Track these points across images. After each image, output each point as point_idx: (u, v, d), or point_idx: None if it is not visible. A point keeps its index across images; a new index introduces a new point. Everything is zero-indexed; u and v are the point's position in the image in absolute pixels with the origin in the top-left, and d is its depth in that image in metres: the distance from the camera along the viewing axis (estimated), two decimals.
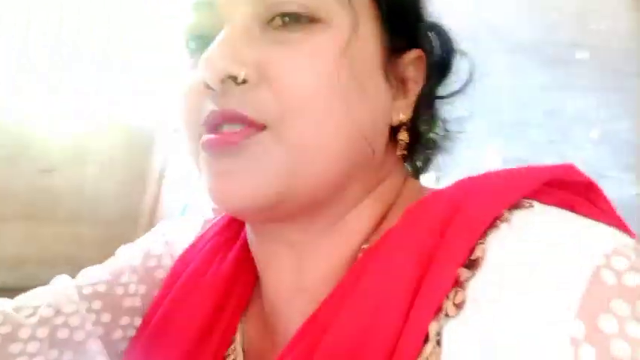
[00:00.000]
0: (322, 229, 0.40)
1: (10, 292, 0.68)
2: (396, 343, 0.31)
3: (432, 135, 0.49)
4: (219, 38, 0.36)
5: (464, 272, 0.31)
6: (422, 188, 0.46)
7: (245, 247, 0.47)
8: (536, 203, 0.35)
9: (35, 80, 3.49)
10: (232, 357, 0.43)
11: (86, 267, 0.58)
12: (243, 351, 0.45)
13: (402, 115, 0.41)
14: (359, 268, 0.36)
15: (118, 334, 0.50)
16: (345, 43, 0.35)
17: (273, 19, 0.37)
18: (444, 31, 0.47)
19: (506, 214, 0.33)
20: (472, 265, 0.31)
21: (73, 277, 0.57)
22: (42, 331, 0.47)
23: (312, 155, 0.36)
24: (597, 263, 0.29)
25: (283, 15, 0.36)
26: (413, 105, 0.42)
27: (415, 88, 0.42)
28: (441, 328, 0.31)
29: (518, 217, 0.33)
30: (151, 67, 4.14)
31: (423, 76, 0.43)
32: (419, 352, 0.31)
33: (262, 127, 0.35)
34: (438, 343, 0.31)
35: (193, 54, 0.40)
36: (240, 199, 0.36)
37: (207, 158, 0.37)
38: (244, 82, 0.35)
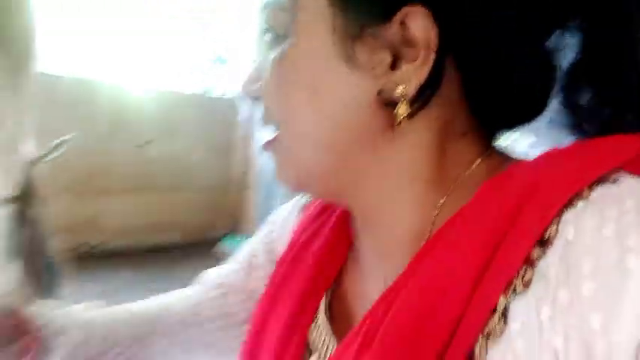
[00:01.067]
0: (372, 203, 0.41)
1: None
2: (465, 311, 0.32)
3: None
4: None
5: (536, 251, 0.31)
6: (489, 158, 0.40)
7: (334, 229, 0.49)
8: (624, 176, 0.32)
9: (127, 61, 3.72)
10: (319, 322, 0.45)
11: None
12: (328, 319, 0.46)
13: (401, 86, 0.36)
14: (434, 240, 0.36)
15: None
16: (286, 51, 0.37)
17: (269, 39, 0.40)
18: None
19: (586, 192, 0.31)
20: (544, 243, 0.31)
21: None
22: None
23: (300, 153, 0.40)
24: None
25: (270, 35, 0.39)
26: (420, 73, 0.35)
27: (420, 52, 0.35)
28: (508, 303, 0.31)
29: (598, 193, 0.31)
30: (231, 39, 4.25)
31: (427, 34, 0.34)
32: (485, 322, 0.32)
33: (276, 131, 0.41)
34: (505, 317, 0.31)
35: None
36: (285, 182, 0.43)
37: None
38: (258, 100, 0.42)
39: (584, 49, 0.38)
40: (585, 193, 0.31)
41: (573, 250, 0.29)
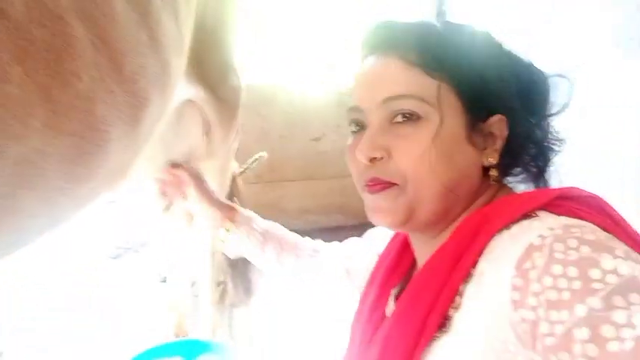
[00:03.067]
0: (437, 234, 0.64)
1: (297, 234, 1.09)
2: (442, 290, 0.55)
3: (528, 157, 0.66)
4: (366, 134, 0.61)
5: (481, 257, 0.54)
6: (497, 198, 0.63)
7: (403, 246, 0.75)
8: (542, 213, 0.53)
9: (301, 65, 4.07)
10: (389, 308, 0.71)
11: (352, 214, 0.96)
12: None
13: (490, 159, 0.62)
14: (442, 246, 0.60)
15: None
16: (435, 133, 0.58)
17: (395, 116, 0.60)
18: (531, 85, 0.64)
19: (511, 225, 0.53)
20: (484, 253, 0.54)
21: (344, 222, 0.97)
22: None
23: (420, 201, 0.60)
24: (531, 240, 0.48)
25: (402, 115, 0.60)
26: (499, 151, 0.62)
27: (499, 140, 0.62)
28: (465, 287, 0.55)
29: (519, 224, 0.53)
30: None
31: (505, 130, 0.62)
32: (452, 301, 0.55)
33: (394, 184, 0.60)
34: (461, 294, 0.54)
35: (353, 134, 0.67)
36: (384, 221, 0.63)
37: (368, 196, 0.64)
38: (381, 158, 0.60)
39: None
40: (510, 226, 0.54)
41: (494, 253, 0.53)
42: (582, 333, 0.40)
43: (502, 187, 0.65)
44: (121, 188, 0.82)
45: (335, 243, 1.00)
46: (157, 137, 0.90)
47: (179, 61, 0.86)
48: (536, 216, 0.53)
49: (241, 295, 1.98)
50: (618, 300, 0.40)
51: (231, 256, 1.06)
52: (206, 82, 1.06)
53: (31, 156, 0.54)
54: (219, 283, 1.96)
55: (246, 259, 1.73)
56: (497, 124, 0.61)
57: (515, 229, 0.52)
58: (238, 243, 0.99)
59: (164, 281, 2.63)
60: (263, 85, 3.53)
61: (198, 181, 1.04)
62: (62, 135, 0.56)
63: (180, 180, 1.05)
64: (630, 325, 0.39)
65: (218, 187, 1.39)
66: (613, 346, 0.38)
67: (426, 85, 0.59)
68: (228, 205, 1.03)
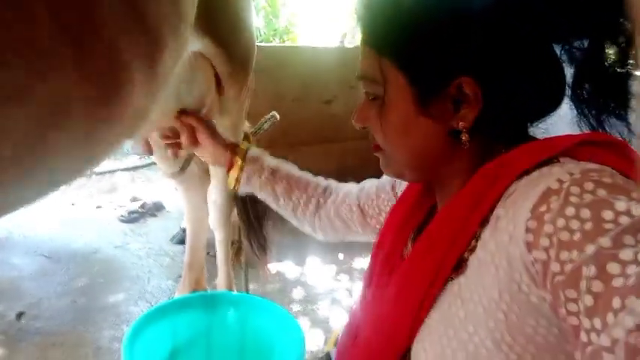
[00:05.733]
0: (444, 181, 0.65)
1: None
2: (459, 233, 0.57)
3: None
4: (357, 107, 0.66)
5: (498, 203, 0.54)
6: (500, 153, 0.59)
7: (423, 190, 0.74)
8: (564, 159, 0.53)
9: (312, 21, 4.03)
10: (407, 250, 0.71)
11: (367, 177, 0.95)
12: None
13: (461, 123, 0.57)
14: (458, 193, 0.60)
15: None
16: (385, 113, 0.60)
17: (370, 97, 0.64)
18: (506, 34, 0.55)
19: (532, 169, 0.53)
20: (502, 197, 0.54)
21: (357, 181, 0.95)
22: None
23: (399, 166, 0.65)
24: (549, 184, 0.48)
25: (371, 96, 0.63)
26: (470, 114, 0.57)
27: (472, 102, 0.56)
28: (482, 231, 0.55)
29: (539, 170, 0.52)
30: None
31: (472, 91, 0.56)
32: (468, 244, 0.56)
33: (382, 148, 0.65)
34: (479, 236, 0.55)
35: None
36: (387, 174, 0.69)
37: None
38: (365, 128, 0.65)
39: (587, 59, 0.55)
40: (531, 170, 0.53)
41: (511, 198, 0.53)
42: (589, 270, 0.41)
43: (523, 137, 0.62)
44: (141, 132, 0.83)
45: (350, 183, 1.00)
46: (171, 89, 0.90)
47: (192, 10, 0.86)
48: (558, 162, 0.53)
49: (256, 254, 2.02)
50: (628, 239, 0.41)
51: (243, 194, 1.07)
52: (216, 35, 1.06)
53: (59, 97, 0.55)
54: (234, 242, 1.99)
55: (260, 217, 1.73)
56: (462, 88, 0.56)
57: (536, 174, 0.52)
58: (248, 181, 1.00)
59: (181, 242, 2.70)
60: (277, 46, 3.52)
61: (207, 124, 1.06)
62: (86, 75, 0.57)
63: (191, 126, 1.06)
64: (636, 262, 0.39)
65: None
66: (617, 282, 0.39)
67: (372, 63, 0.60)
68: (237, 145, 1.04)
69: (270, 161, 1.02)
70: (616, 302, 0.38)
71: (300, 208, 0.99)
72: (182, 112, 1.08)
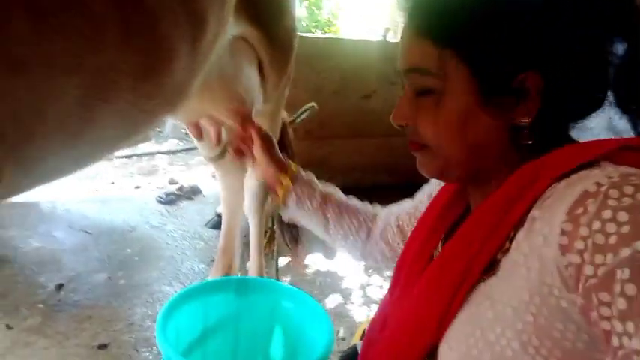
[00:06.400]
0: (477, 186, 0.64)
1: (345, 190, 1.09)
2: (492, 234, 0.56)
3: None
4: (397, 102, 0.64)
5: (534, 205, 0.53)
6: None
7: (457, 192, 0.73)
8: (604, 163, 0.52)
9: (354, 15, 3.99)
10: (437, 251, 0.70)
11: (399, 174, 0.95)
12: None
13: (521, 120, 0.57)
14: (492, 196, 0.59)
15: None
16: (445, 106, 0.58)
17: (420, 91, 0.61)
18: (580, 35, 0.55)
19: (570, 173, 0.51)
20: (539, 200, 0.52)
21: (391, 182, 0.96)
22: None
23: (447, 164, 0.62)
24: (586, 187, 0.47)
25: (423, 90, 0.60)
26: (534, 109, 0.56)
27: (532, 96, 0.56)
28: (516, 232, 0.54)
29: (578, 173, 0.51)
30: None
31: (535, 86, 0.55)
32: (501, 245, 0.55)
33: (424, 146, 0.63)
34: (513, 237, 0.53)
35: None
36: (427, 175, 0.66)
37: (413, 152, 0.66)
38: (407, 125, 0.63)
39: (625, 62, 0.55)
40: (570, 174, 0.52)
41: (550, 199, 0.51)
42: (624, 273, 0.40)
43: (566, 139, 0.61)
44: (184, 110, 0.85)
45: (391, 206, 0.99)
46: (216, 69, 0.92)
47: None
48: (598, 166, 0.52)
49: (287, 243, 2.04)
50: None
51: (289, 221, 1.07)
52: (259, 21, 1.07)
53: (106, 69, 0.58)
54: (266, 230, 2.02)
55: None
56: (526, 81, 0.56)
57: (574, 177, 0.51)
58: (298, 205, 0.99)
59: (215, 227, 2.75)
60: (320, 37, 3.49)
61: (268, 142, 1.05)
62: (132, 49, 0.60)
63: (249, 136, 1.05)
64: None
65: (269, 132, 1.42)
66: None
67: (429, 55, 0.58)
68: (289, 166, 1.03)
69: (321, 186, 1.01)
70: None
71: (351, 236, 0.98)
72: (245, 120, 1.08)
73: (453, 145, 0.60)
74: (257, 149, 1.03)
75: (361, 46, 3.48)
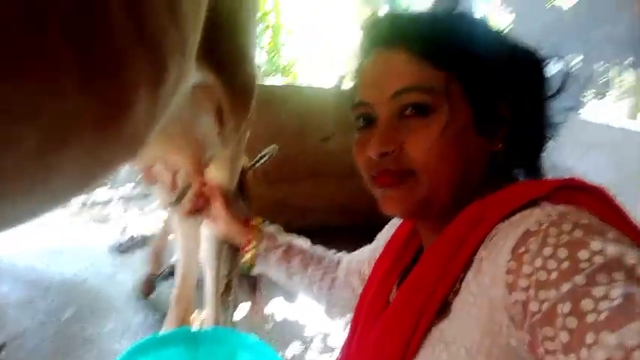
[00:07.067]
0: (446, 223, 0.61)
1: (302, 233, 1.08)
2: (442, 276, 0.56)
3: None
4: (378, 130, 0.61)
5: (481, 246, 0.54)
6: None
7: (409, 235, 0.73)
8: (543, 203, 0.53)
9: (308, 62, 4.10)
10: (392, 295, 0.71)
11: (359, 214, 0.95)
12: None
13: (499, 145, 0.62)
14: (440, 236, 0.60)
15: None
16: (444, 123, 0.58)
17: (405, 110, 0.60)
18: (530, 70, 0.63)
19: (513, 213, 0.53)
20: (485, 240, 0.54)
21: (351, 222, 0.96)
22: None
23: (434, 190, 0.60)
24: (528, 227, 0.48)
25: (411, 109, 0.59)
26: (503, 137, 0.62)
27: (504, 126, 0.62)
28: (465, 273, 0.55)
29: (520, 213, 0.53)
30: None
31: (508, 117, 0.62)
32: (452, 287, 0.55)
33: (408, 174, 0.60)
34: (462, 279, 0.54)
35: (361, 128, 0.65)
36: (398, 210, 0.63)
37: (378, 190, 0.63)
38: (392, 152, 0.60)
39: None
40: (512, 214, 0.54)
41: (493, 241, 0.53)
42: (565, 307, 0.42)
43: (507, 177, 0.64)
44: (140, 156, 0.84)
45: (354, 253, 0.99)
46: (175, 116, 0.91)
47: (195, 36, 0.87)
48: (538, 205, 0.53)
49: (246, 291, 1.99)
50: (601, 277, 0.42)
51: (255, 274, 1.06)
52: (219, 68, 1.07)
53: (67, 113, 0.56)
54: (224, 277, 1.97)
55: None
56: (502, 111, 0.61)
57: (517, 217, 0.53)
58: (264, 258, 0.98)
59: (170, 275, 2.66)
60: (276, 86, 3.56)
61: (227, 200, 1.05)
62: (93, 95, 0.58)
63: (209, 194, 1.05)
64: (608, 298, 0.40)
65: (228, 177, 1.40)
66: (590, 318, 0.40)
67: (434, 76, 0.59)
68: (253, 225, 1.02)
69: (285, 236, 1.01)
70: (589, 337, 0.39)
71: (316, 284, 0.97)
72: (202, 180, 1.08)
73: (449, 164, 0.59)
74: (217, 206, 1.02)
75: (319, 93, 3.55)
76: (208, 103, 1.15)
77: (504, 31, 0.66)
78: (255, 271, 1.01)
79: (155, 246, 2.72)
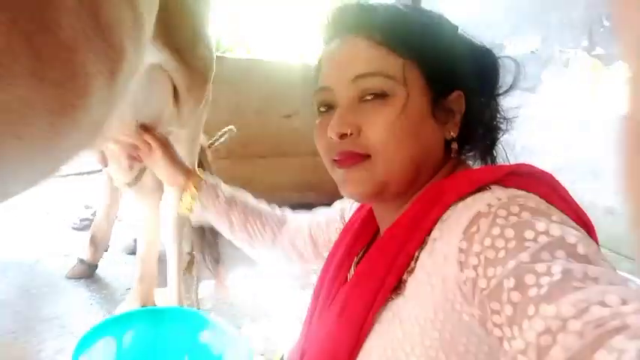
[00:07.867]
0: (401, 205, 0.66)
1: None
2: (398, 255, 0.60)
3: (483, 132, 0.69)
4: (337, 112, 0.63)
5: (436, 225, 0.58)
6: (456, 172, 0.65)
7: (368, 217, 0.76)
8: (495, 187, 0.57)
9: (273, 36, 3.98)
10: (350, 274, 0.74)
11: (324, 192, 0.98)
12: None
13: (452, 132, 0.65)
14: (400, 216, 0.63)
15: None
16: (401, 108, 0.60)
17: (364, 95, 0.62)
18: (484, 66, 0.69)
19: (466, 196, 0.57)
20: (439, 221, 0.58)
21: (316, 199, 0.99)
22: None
23: (390, 172, 0.62)
24: (479, 208, 0.52)
25: (370, 94, 0.62)
26: (458, 124, 0.65)
27: (458, 115, 0.65)
28: (420, 253, 0.58)
29: (473, 196, 0.56)
30: None
31: (463, 105, 0.65)
32: (407, 266, 0.59)
33: (367, 157, 0.62)
34: (417, 257, 0.58)
35: (321, 114, 0.68)
36: (356, 192, 0.65)
37: (338, 171, 0.66)
38: (351, 134, 0.62)
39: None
40: (465, 197, 0.58)
41: (446, 222, 0.57)
42: (509, 282, 0.45)
43: (460, 162, 0.68)
44: (97, 144, 0.83)
45: (303, 213, 1.02)
46: (129, 99, 0.90)
47: (150, 19, 0.87)
48: (489, 189, 0.57)
49: (209, 267, 2.01)
50: (545, 255, 0.45)
51: (196, 224, 1.08)
52: (174, 49, 1.06)
53: (17, 104, 0.55)
54: (187, 254, 1.98)
55: (214, 229, 1.75)
56: (457, 100, 0.65)
57: (469, 200, 0.56)
58: (203, 209, 1.01)
59: (132, 253, 2.64)
60: (241, 59, 3.50)
61: (166, 146, 1.07)
62: (46, 83, 0.57)
63: (148, 144, 1.07)
64: (549, 273, 0.43)
65: (187, 156, 1.40)
66: (532, 292, 0.42)
67: (393, 63, 0.62)
68: (193, 172, 1.05)
69: (226, 190, 1.04)
70: (530, 310, 0.42)
71: (256, 238, 1.00)
72: (142, 128, 1.09)
73: (404, 148, 0.62)
74: (156, 154, 1.05)
75: (282, 68, 3.52)
76: (164, 84, 1.14)
77: (462, 29, 0.70)
78: (194, 217, 1.04)
79: (95, 231, 2.56)
